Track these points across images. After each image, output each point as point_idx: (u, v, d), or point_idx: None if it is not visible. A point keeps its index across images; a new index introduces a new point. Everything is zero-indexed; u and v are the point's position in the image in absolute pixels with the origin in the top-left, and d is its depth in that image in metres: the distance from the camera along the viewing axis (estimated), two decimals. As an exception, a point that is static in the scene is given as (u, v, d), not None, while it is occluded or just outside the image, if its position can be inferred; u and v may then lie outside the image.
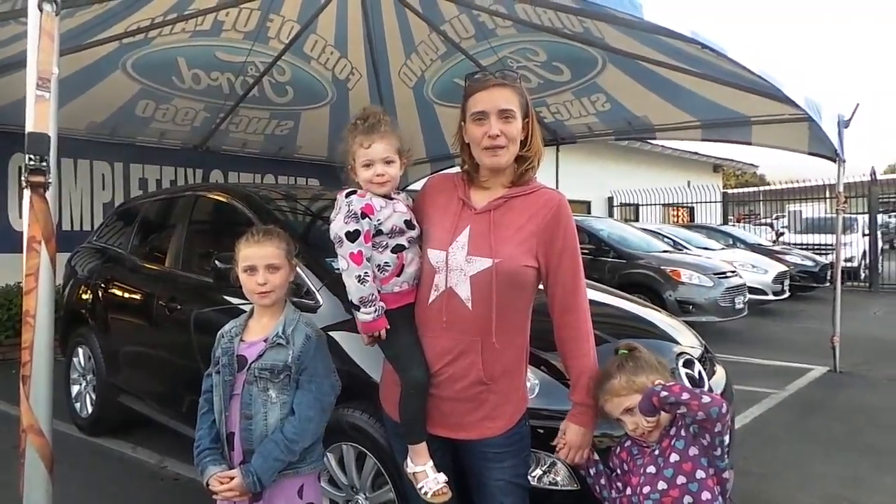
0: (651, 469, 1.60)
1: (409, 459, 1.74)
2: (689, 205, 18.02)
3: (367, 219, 1.68)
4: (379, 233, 1.70)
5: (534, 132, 1.74)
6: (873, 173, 13.38)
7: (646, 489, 1.57)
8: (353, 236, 1.66)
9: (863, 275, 13.37)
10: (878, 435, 4.23)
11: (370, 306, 1.67)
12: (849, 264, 12.56)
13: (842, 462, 3.74)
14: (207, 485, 1.74)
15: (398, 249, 1.71)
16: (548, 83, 6.18)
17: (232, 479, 1.71)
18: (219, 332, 1.89)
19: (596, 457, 1.80)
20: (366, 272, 1.66)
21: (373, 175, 1.71)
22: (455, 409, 1.70)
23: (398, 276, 1.72)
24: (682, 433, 1.60)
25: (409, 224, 1.74)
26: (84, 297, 4.26)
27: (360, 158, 1.72)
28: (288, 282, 1.86)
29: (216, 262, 2.80)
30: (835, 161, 6.03)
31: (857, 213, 13.69)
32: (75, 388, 4.28)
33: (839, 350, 5.99)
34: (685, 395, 1.53)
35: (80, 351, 4.24)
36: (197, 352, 3.13)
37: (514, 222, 1.70)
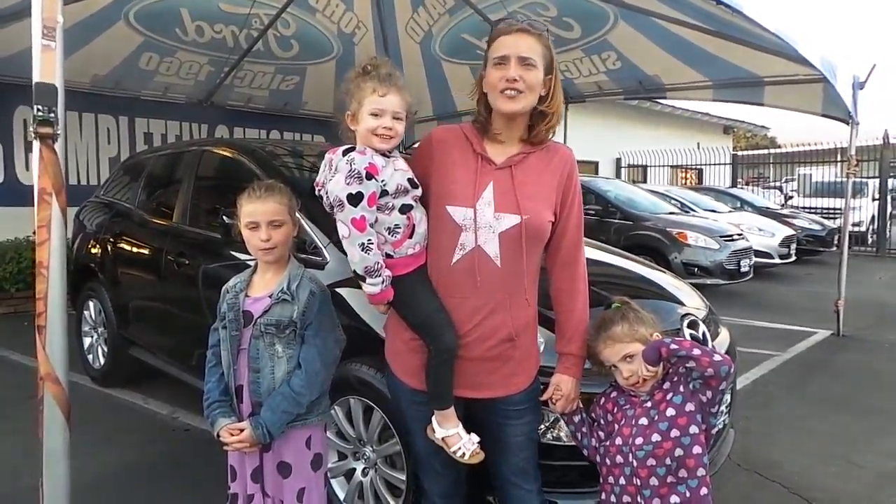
0: (643, 421, 1.62)
1: (435, 424, 1.69)
2: (698, 167, 17.83)
3: (372, 180, 1.56)
4: (384, 193, 1.59)
5: (556, 89, 1.69)
6: (886, 137, 13.18)
7: (638, 440, 1.60)
8: (355, 199, 1.54)
9: (870, 239, 13.31)
10: (877, 397, 4.28)
11: (376, 276, 1.60)
12: (856, 229, 12.48)
13: (840, 423, 3.80)
14: (218, 436, 1.79)
15: (406, 210, 1.63)
16: (558, 40, 6.04)
17: (242, 430, 1.75)
18: (223, 288, 1.90)
19: (580, 405, 1.81)
20: (369, 239, 1.57)
21: (379, 126, 1.58)
22: (480, 368, 1.68)
23: (410, 237, 1.65)
24: (681, 388, 1.62)
25: (412, 183, 1.65)
26: (93, 251, 4.29)
27: (369, 105, 1.59)
28: (291, 237, 1.86)
29: (223, 217, 2.82)
30: (848, 123, 5.93)
31: (868, 178, 13.53)
32: (87, 341, 4.36)
33: (843, 314, 6.01)
34: (696, 351, 1.54)
35: (91, 304, 4.30)
36: (205, 306, 3.17)
37: (534, 179, 1.69)
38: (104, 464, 3.11)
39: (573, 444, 2.09)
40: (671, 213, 8.61)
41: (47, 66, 1.58)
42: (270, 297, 1.80)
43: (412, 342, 1.69)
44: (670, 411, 1.60)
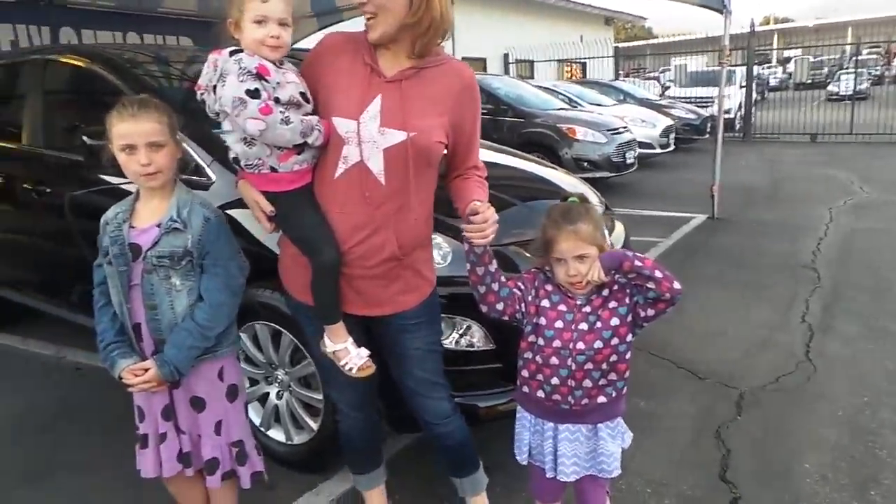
0: (583, 326, 1.62)
1: (325, 339, 1.70)
2: (582, 60, 18.07)
3: (264, 80, 1.47)
4: (276, 101, 1.49)
5: None
6: (752, 25, 13.88)
7: (580, 345, 1.60)
8: (255, 94, 1.45)
9: (738, 126, 14.27)
10: (743, 272, 4.73)
11: (315, 132, 1.52)
12: (726, 116, 13.28)
13: (716, 298, 4.18)
14: (120, 378, 1.65)
15: None
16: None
17: (146, 370, 1.63)
18: (102, 219, 1.69)
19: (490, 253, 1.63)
20: (284, 113, 1.47)
21: (265, 35, 1.48)
22: (368, 286, 1.66)
23: (298, 154, 1.56)
24: (625, 300, 1.62)
25: (304, 97, 1.56)
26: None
27: (251, 12, 1.47)
28: (175, 160, 1.66)
29: (84, 137, 2.49)
30: (721, 13, 6.13)
31: (735, 66, 14.31)
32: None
33: (717, 198, 6.49)
34: (658, 273, 1.54)
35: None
36: (78, 236, 2.87)
37: (426, 95, 1.58)
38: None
39: (487, 348, 2.15)
40: (560, 109, 8.73)
41: None
42: (159, 226, 1.63)
43: (298, 258, 1.66)
44: (614, 321, 1.62)
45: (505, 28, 16.25)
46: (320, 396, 2.25)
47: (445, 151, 1.68)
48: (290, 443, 2.41)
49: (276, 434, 2.44)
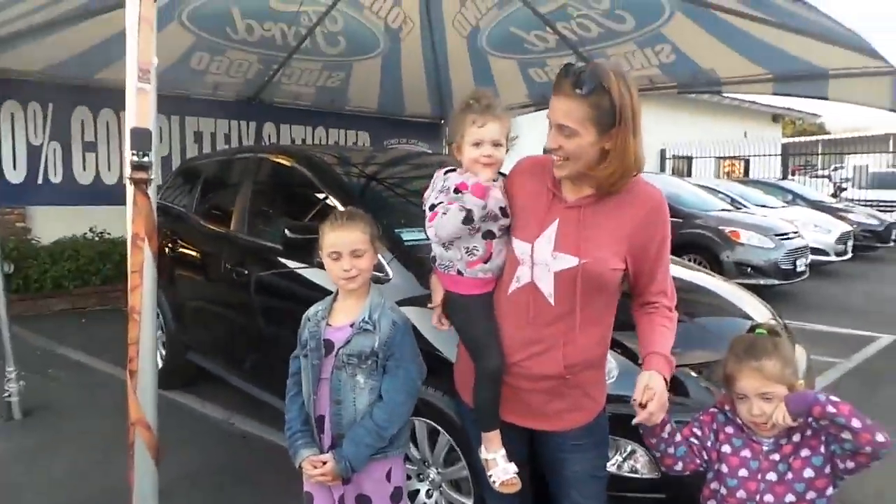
0: (771, 476, 1.48)
1: (482, 446, 1.73)
2: (746, 157, 17.28)
3: (459, 193, 1.65)
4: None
5: (621, 143, 1.53)
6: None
7: (768, 497, 1.47)
8: (434, 207, 1.66)
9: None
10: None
11: (476, 208, 1.61)
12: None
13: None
14: (299, 466, 1.78)
15: (488, 236, 1.70)
16: (609, 33, 5.85)
17: (324, 463, 1.74)
18: (304, 315, 1.89)
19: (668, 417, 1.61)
20: (445, 209, 1.64)
21: (480, 155, 1.66)
22: (533, 399, 1.68)
23: (485, 262, 1.70)
24: (820, 449, 1.48)
25: (503, 211, 1.70)
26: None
27: (470, 137, 1.67)
28: (372, 265, 1.84)
29: (286, 230, 2.80)
30: (918, 117, 5.64)
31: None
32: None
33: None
34: (856, 423, 1.37)
35: (148, 306, 4.37)
36: (259, 314, 3.20)
37: (605, 222, 1.61)
38: (168, 471, 3.14)
39: (652, 476, 2.04)
40: (722, 210, 8.35)
41: (142, 110, 1.56)
42: (352, 326, 1.78)
43: (472, 362, 1.73)
44: (808, 472, 1.47)
45: (661, 123, 16.08)
46: (470, 502, 2.24)
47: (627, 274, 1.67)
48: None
49: (422, 531, 2.45)
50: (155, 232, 1.65)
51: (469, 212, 1.60)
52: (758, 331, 1.62)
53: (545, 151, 1.70)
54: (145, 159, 1.59)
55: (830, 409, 1.40)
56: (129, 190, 1.63)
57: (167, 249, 4.17)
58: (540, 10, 5.71)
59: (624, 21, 5.71)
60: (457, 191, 1.65)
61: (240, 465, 3.26)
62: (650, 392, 1.52)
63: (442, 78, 7.36)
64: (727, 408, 1.59)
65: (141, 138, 1.56)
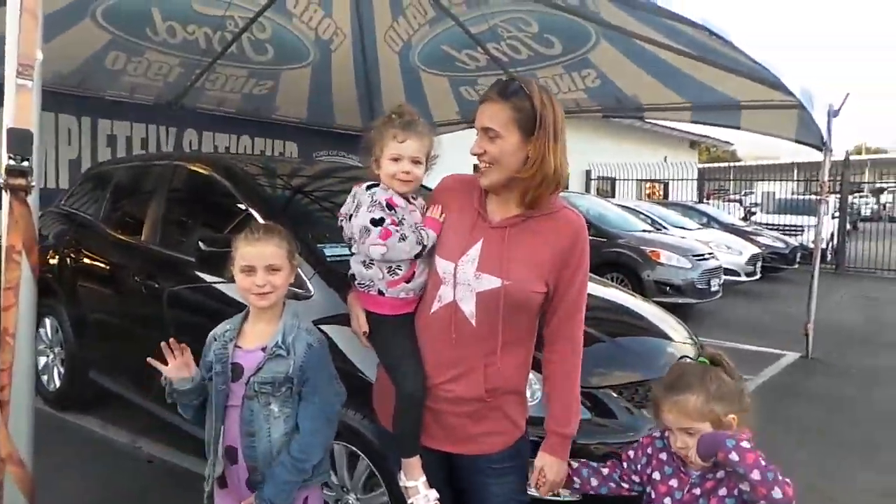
0: None
1: (401, 473, 1.68)
2: (665, 181, 18.11)
3: (392, 210, 1.63)
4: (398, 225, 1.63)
5: (544, 151, 1.54)
6: (847, 156, 13.60)
7: None
8: (378, 222, 1.60)
9: (829, 257, 13.65)
10: (851, 426, 4.32)
11: (428, 237, 1.63)
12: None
13: (815, 452, 3.81)
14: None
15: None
16: (538, 56, 6.01)
17: None
18: (210, 334, 1.75)
19: (575, 465, 1.74)
20: (401, 233, 1.60)
21: (399, 171, 1.64)
22: (454, 423, 1.64)
23: (407, 282, 1.66)
24: (735, 491, 1.49)
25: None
26: (51, 262, 4.04)
27: (389, 151, 1.64)
28: (288, 283, 1.73)
29: (200, 243, 2.65)
30: (821, 150, 6.05)
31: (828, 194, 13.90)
32: (42, 360, 4.08)
33: (812, 337, 6.11)
34: (756, 475, 1.36)
35: (48, 322, 4.04)
36: (171, 330, 2.99)
37: (529, 243, 1.60)
38: (64, 498, 2.90)
39: (573, 500, 2.02)
40: (644, 231, 8.67)
41: (22, 110, 1.39)
42: (264, 350, 1.67)
43: (391, 385, 1.67)
44: None
45: (587, 145, 16.60)
46: (390, 528, 2.15)
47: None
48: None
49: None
50: (35, 244, 1.47)
51: (424, 247, 1.62)
52: (700, 359, 1.63)
53: (475, 169, 1.67)
54: (24, 164, 1.42)
55: (733, 456, 1.39)
56: (5, 198, 1.45)
57: (69, 259, 3.88)
58: (471, 30, 5.78)
59: (552, 45, 5.87)
60: (390, 206, 1.62)
61: (146, 492, 3.04)
62: (542, 479, 1.65)
63: (373, 91, 7.30)
64: (667, 434, 1.59)
65: (20, 140, 1.39)
